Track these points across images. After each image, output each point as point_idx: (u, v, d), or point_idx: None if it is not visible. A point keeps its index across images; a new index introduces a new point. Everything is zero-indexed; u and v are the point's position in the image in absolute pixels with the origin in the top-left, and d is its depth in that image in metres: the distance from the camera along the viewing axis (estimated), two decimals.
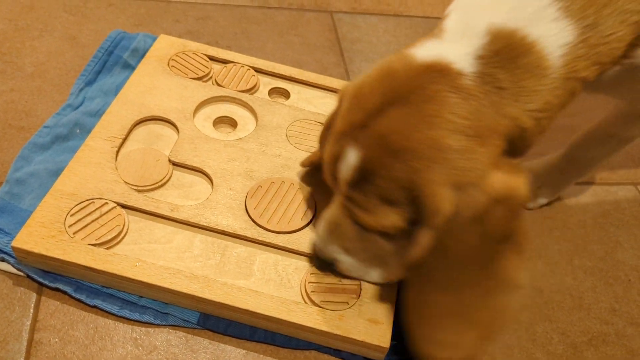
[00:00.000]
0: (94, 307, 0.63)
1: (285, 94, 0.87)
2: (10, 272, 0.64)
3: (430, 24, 1.14)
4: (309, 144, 0.78)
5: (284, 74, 0.88)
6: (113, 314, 0.63)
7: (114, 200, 0.67)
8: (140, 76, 0.81)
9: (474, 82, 0.48)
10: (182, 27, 0.99)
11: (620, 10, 0.50)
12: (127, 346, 0.62)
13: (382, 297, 0.64)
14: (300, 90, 0.88)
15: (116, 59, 0.86)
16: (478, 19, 0.50)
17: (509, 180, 0.48)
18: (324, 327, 0.61)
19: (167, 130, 0.77)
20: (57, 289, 0.63)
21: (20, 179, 0.69)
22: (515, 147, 0.51)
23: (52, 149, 0.74)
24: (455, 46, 0.50)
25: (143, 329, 0.63)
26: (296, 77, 0.88)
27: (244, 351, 0.63)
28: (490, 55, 0.49)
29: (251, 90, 0.84)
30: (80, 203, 0.66)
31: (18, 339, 0.60)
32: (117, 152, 0.72)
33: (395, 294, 0.65)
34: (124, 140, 0.74)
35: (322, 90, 0.88)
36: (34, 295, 0.63)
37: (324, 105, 0.86)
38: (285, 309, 0.61)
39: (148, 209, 0.67)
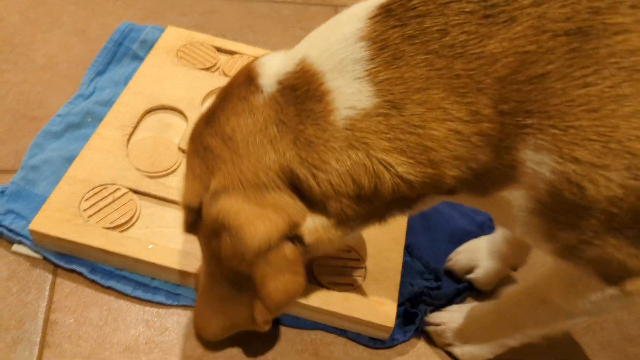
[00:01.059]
0: (109, 287, 0.65)
1: None
2: (26, 255, 0.66)
3: None
4: None
5: None
6: (127, 295, 0.65)
7: (126, 186, 0.69)
8: (149, 67, 0.83)
9: (264, 102, 0.46)
10: (189, 21, 1.01)
11: (435, 105, 0.41)
12: (139, 327, 0.64)
13: (386, 279, 0.66)
14: None
15: (125, 50, 0.88)
16: (303, 46, 0.47)
17: (246, 217, 0.45)
18: (330, 308, 0.63)
19: (176, 119, 0.79)
20: (73, 271, 0.65)
21: (34, 166, 0.71)
22: (305, 199, 0.47)
23: (65, 136, 0.76)
24: (276, 62, 0.48)
25: (155, 310, 0.65)
26: None
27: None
28: (288, 85, 0.45)
29: None
30: (94, 188, 0.68)
31: (34, 320, 0.62)
32: (128, 140, 0.74)
33: (399, 276, 0.67)
34: (135, 128, 0.76)
35: None
36: (49, 277, 0.66)
37: None
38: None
39: (159, 195, 0.69)
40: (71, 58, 0.89)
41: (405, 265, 0.71)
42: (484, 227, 0.79)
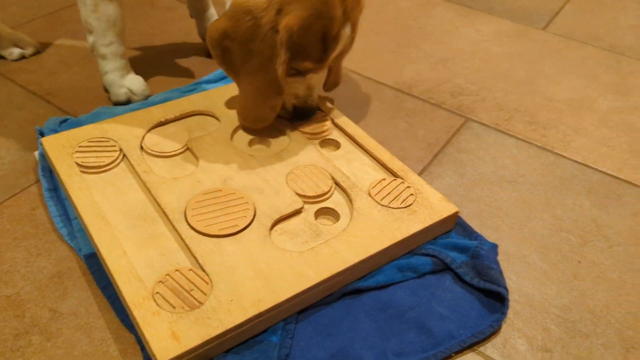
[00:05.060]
0: (46, 203, 0.77)
1: (336, 145, 0.86)
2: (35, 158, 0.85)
3: (582, 173, 0.94)
4: (300, 186, 0.77)
5: (348, 131, 0.88)
6: (52, 220, 0.75)
7: (121, 147, 0.81)
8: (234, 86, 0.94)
9: None
10: None
11: None
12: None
13: (203, 326, 0.59)
14: (351, 150, 0.86)
15: None
16: None
17: None
18: (134, 309, 0.60)
19: (214, 127, 0.87)
20: (39, 182, 0.80)
21: (99, 113, 0.91)
22: None
23: (137, 106, 0.93)
24: None
25: (54, 240, 0.73)
26: (357, 138, 0.86)
27: (88, 295, 0.67)
28: None
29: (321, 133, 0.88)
30: (101, 138, 0.82)
31: None
32: (162, 123, 0.86)
33: (219, 331, 0.59)
34: (177, 118, 0.87)
35: (371, 159, 0.84)
36: (28, 184, 0.82)
37: (357, 170, 0.82)
38: (125, 277, 0.63)
39: (133, 163, 0.78)
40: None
41: (261, 342, 0.62)
42: None
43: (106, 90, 0.99)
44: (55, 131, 0.87)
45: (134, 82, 0.99)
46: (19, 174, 0.83)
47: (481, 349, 0.65)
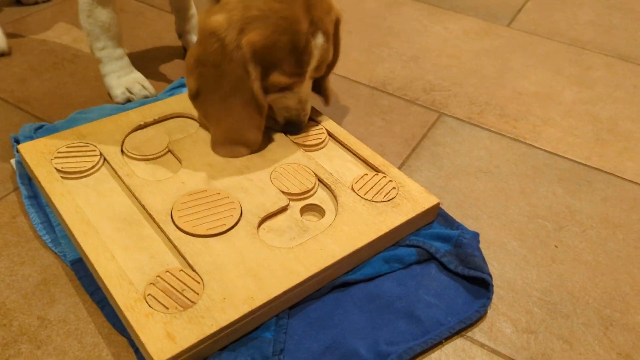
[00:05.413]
0: (26, 211, 0.76)
1: (318, 146, 0.87)
2: (12, 167, 0.83)
3: (553, 162, 0.97)
4: (284, 184, 0.77)
5: (328, 128, 0.89)
6: (35, 227, 0.74)
7: (102, 151, 0.80)
8: None
9: None
10: None
11: None
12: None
13: (197, 325, 0.59)
14: (332, 147, 0.87)
15: None
16: None
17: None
18: (126, 312, 0.60)
19: (194, 129, 0.87)
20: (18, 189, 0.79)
21: (75, 118, 0.89)
22: None
23: (121, 109, 0.92)
24: None
25: (37, 248, 0.72)
26: (337, 135, 0.88)
27: (77, 301, 0.66)
28: None
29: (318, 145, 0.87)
30: (80, 142, 0.81)
31: None
32: (142, 126, 0.86)
33: (214, 330, 0.59)
34: (156, 121, 0.87)
35: (352, 156, 0.86)
36: (6, 192, 0.80)
37: (339, 167, 0.83)
38: (115, 281, 0.62)
39: (114, 167, 0.78)
40: None
41: (255, 339, 0.62)
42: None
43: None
44: (30, 138, 0.86)
45: (133, 83, 0.99)
46: None
47: (469, 334, 0.67)
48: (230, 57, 0.72)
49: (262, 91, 0.77)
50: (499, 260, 0.77)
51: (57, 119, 0.94)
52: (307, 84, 0.84)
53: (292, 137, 0.87)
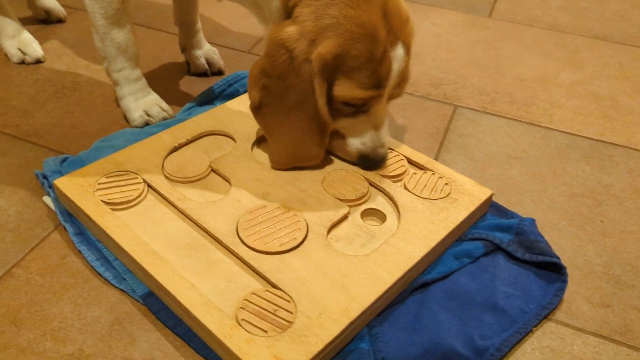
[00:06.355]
0: (79, 251, 0.71)
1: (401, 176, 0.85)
2: (48, 206, 0.78)
3: (573, 142, 1.01)
4: (339, 191, 0.76)
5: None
6: (91, 265, 0.70)
7: (144, 178, 0.76)
8: (235, 103, 0.92)
9: None
10: None
11: None
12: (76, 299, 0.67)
13: (302, 344, 0.57)
14: None
15: (233, 91, 0.99)
16: None
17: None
18: (226, 341, 0.57)
19: (229, 145, 0.84)
20: (64, 227, 0.74)
21: (100, 147, 0.84)
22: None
23: (138, 134, 0.88)
24: None
25: (98, 287, 0.68)
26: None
27: (159, 337, 0.63)
28: None
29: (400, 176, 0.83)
30: (119, 171, 0.77)
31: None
32: (177, 147, 0.82)
33: (320, 347, 0.57)
34: (189, 141, 0.84)
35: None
36: (46, 232, 0.75)
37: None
38: (204, 310, 0.60)
39: (162, 192, 0.74)
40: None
41: (353, 351, 0.61)
42: (483, 355, 0.62)
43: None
44: (60, 172, 0.80)
45: (151, 105, 0.94)
46: (31, 223, 0.76)
47: (552, 316, 0.69)
48: (298, 70, 0.69)
49: (330, 113, 0.73)
50: (555, 242, 0.79)
51: (75, 149, 0.89)
52: (384, 105, 0.77)
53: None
